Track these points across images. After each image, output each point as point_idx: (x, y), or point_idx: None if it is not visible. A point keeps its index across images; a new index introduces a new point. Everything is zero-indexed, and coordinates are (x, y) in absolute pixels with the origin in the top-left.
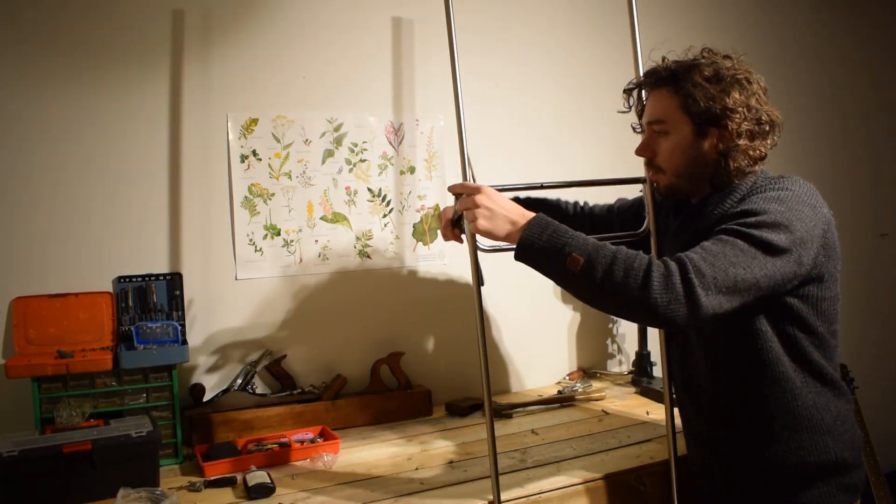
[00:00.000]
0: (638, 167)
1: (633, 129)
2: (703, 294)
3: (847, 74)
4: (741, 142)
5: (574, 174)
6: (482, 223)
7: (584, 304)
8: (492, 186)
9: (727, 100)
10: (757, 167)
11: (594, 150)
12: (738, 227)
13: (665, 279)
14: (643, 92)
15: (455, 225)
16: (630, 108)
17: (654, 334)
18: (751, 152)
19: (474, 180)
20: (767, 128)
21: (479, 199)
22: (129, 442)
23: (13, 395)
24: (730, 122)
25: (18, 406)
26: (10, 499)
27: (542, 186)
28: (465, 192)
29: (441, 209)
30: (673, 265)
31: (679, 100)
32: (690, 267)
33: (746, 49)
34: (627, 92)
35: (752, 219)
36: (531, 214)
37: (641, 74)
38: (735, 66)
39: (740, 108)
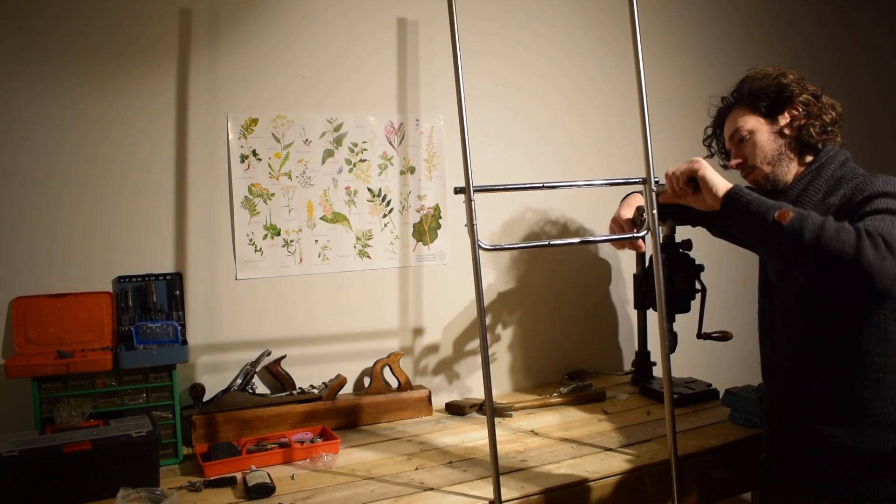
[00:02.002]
0: (636, 167)
1: (724, 167)
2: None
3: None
4: (811, 108)
5: (573, 173)
6: (710, 174)
7: (780, 255)
8: (492, 186)
9: (782, 80)
10: (835, 135)
11: (594, 150)
12: (876, 208)
13: (874, 243)
14: (719, 133)
15: (634, 224)
16: (713, 153)
17: (653, 335)
18: (824, 116)
19: None
20: (825, 99)
21: (699, 163)
22: (129, 442)
23: (13, 395)
24: (793, 98)
25: (18, 406)
26: (10, 499)
27: (543, 186)
28: (678, 170)
29: (614, 216)
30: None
31: (744, 106)
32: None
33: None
34: (707, 140)
35: (881, 200)
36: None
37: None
38: (777, 67)
39: (795, 86)
